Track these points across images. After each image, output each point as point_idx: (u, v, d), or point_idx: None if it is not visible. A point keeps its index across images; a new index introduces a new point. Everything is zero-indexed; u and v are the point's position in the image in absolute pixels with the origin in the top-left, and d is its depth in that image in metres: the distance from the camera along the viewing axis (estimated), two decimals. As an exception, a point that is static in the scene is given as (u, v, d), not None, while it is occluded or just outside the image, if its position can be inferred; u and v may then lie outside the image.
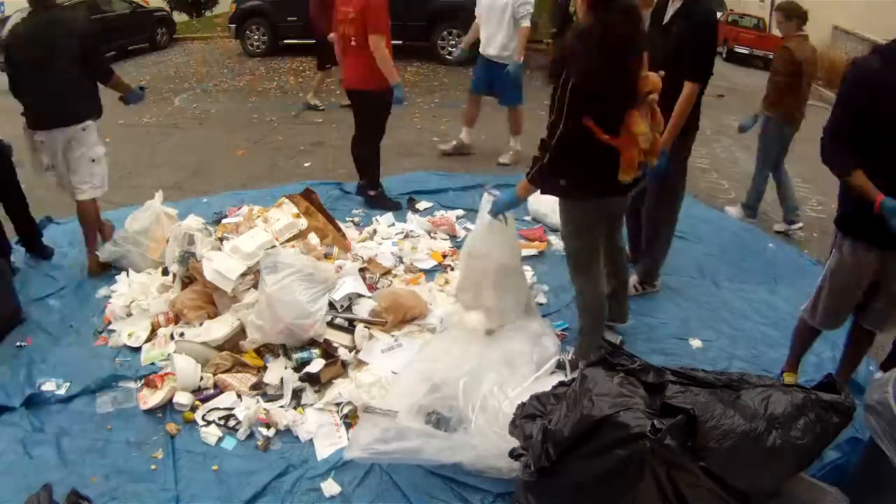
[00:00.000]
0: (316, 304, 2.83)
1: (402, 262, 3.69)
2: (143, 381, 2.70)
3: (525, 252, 3.93)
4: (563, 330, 3.12)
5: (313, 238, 3.40)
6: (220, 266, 3.00)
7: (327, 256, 3.43)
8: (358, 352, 2.83)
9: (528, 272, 3.65)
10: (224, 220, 3.70)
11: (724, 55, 15.62)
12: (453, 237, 4.09)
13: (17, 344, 3.01)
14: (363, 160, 4.58)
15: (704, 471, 1.65)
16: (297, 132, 6.79)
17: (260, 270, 2.87)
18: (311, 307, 2.80)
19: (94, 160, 3.50)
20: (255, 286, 2.96)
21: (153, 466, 2.31)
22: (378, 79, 4.11)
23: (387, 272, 3.54)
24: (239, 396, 2.62)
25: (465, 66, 8.32)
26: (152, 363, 2.83)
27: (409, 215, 4.38)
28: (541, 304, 3.36)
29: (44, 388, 2.68)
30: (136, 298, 3.23)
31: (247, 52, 11.06)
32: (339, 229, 3.75)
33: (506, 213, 2.68)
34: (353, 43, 4.07)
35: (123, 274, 3.49)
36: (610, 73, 2.22)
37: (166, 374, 2.70)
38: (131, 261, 3.54)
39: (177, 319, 3.06)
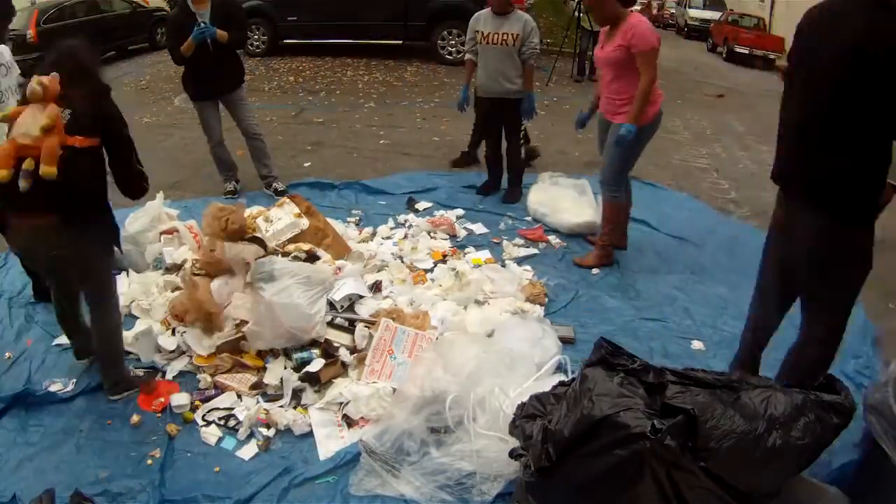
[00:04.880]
0: (315, 306, 2.82)
1: (403, 262, 3.70)
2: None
3: (525, 252, 3.95)
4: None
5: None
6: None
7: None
8: (358, 351, 2.83)
9: (528, 272, 3.65)
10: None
11: (724, 55, 15.67)
12: (453, 237, 4.09)
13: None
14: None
15: (704, 471, 1.65)
16: (296, 132, 6.79)
17: (254, 280, 2.86)
18: (310, 310, 2.79)
19: None
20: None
21: (150, 462, 2.31)
22: None
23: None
24: (239, 396, 2.63)
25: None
26: (152, 362, 2.83)
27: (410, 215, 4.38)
28: (541, 304, 3.36)
29: (51, 388, 2.68)
30: (136, 298, 3.23)
31: (247, 52, 11.05)
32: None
33: None
34: None
35: (123, 274, 3.49)
36: None
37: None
38: (131, 261, 3.54)
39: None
